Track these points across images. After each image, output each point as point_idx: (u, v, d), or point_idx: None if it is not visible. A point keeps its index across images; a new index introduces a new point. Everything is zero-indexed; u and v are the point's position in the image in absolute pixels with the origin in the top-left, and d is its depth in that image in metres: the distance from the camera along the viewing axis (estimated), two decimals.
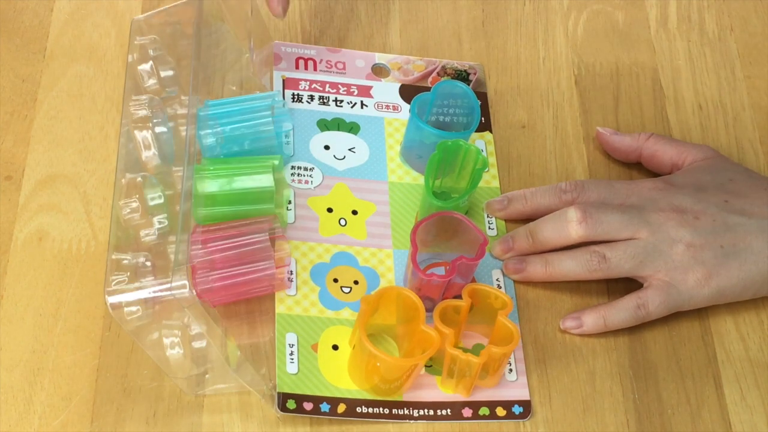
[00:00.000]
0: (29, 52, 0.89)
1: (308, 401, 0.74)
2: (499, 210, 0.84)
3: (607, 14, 0.97)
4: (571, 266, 0.80)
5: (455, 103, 0.85)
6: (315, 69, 0.90)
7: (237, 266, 0.75)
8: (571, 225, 0.79)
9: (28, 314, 0.77)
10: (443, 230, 0.79)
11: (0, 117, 0.85)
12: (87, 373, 0.75)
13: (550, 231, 0.80)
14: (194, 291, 0.67)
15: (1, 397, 0.73)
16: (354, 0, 0.95)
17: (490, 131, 0.89)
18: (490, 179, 0.86)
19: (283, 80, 0.88)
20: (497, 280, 0.81)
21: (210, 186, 0.78)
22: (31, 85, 0.87)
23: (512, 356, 0.78)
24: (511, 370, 0.77)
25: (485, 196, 0.85)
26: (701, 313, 0.81)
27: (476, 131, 0.88)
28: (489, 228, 0.84)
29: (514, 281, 0.82)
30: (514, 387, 0.77)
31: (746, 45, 0.96)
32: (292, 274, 0.79)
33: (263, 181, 0.78)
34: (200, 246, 0.74)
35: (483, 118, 0.89)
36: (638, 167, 0.88)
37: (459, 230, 0.78)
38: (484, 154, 0.85)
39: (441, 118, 0.85)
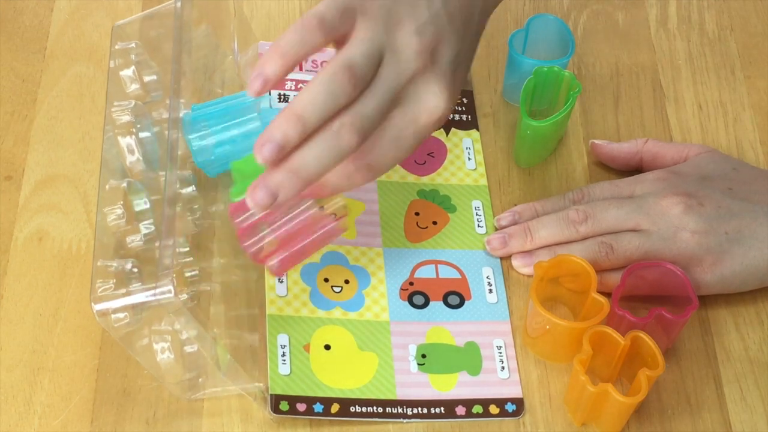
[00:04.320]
0: (29, 52, 0.90)
1: (301, 402, 0.74)
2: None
3: (607, 14, 0.97)
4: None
5: (546, 37, 0.88)
6: (301, 69, 0.89)
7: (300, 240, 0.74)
8: (572, 227, 0.79)
9: (28, 314, 0.77)
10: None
11: (0, 117, 0.86)
12: (87, 373, 0.75)
13: (550, 232, 0.80)
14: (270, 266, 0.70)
15: (1, 397, 0.74)
16: None
17: (477, 129, 0.89)
18: (477, 177, 0.86)
19: None
20: (487, 277, 0.81)
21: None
22: (31, 85, 0.88)
23: (504, 354, 0.78)
24: (503, 368, 0.77)
25: (472, 194, 0.85)
26: (701, 312, 0.81)
27: (463, 129, 0.88)
28: (478, 226, 0.84)
29: (513, 275, 0.82)
30: (507, 385, 0.77)
31: (746, 45, 0.96)
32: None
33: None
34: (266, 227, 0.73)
35: (469, 116, 0.89)
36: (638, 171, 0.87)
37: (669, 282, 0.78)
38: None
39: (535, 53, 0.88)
